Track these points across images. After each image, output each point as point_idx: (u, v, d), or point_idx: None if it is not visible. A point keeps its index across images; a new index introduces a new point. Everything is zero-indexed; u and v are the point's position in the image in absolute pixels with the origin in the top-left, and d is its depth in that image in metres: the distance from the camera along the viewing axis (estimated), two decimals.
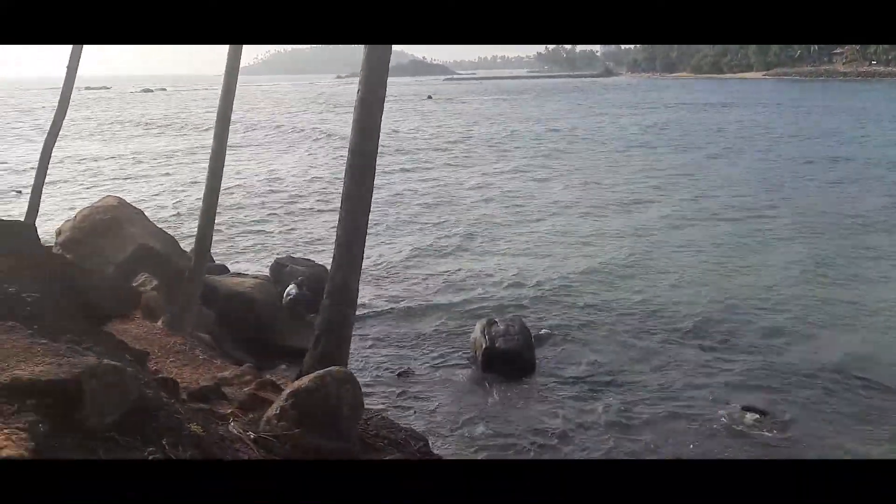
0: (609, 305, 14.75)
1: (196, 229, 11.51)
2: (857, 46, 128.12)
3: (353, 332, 9.79)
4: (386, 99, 9.04)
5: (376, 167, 9.14)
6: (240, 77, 10.92)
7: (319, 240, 20.95)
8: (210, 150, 10.91)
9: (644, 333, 13.27)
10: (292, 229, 22.77)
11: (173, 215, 24.04)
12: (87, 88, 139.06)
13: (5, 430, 2.82)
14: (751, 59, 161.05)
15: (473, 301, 15.30)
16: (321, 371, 5.41)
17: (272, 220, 24.15)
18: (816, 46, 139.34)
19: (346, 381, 5.30)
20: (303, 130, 55.89)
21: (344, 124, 56.78)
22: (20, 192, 26.94)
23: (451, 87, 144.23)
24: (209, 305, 11.92)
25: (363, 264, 9.56)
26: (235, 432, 4.68)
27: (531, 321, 13.45)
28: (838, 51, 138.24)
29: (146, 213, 14.75)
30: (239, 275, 15.06)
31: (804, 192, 27.01)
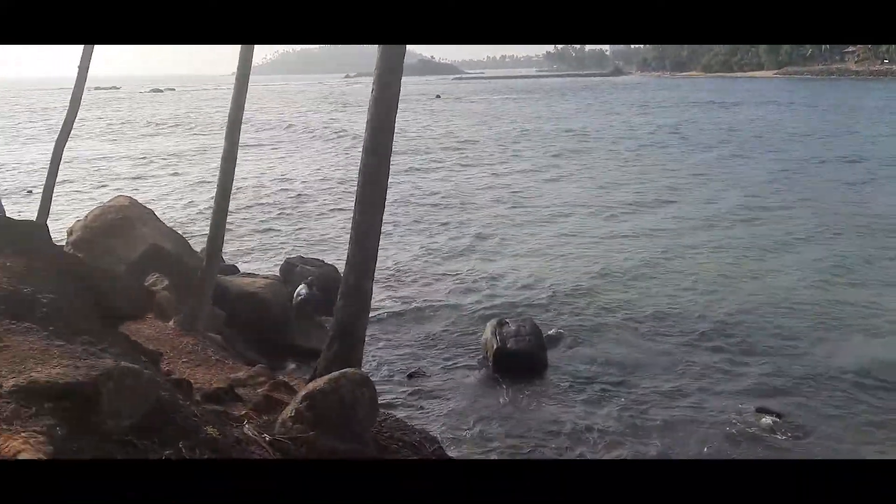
0: (622, 307, 14.65)
1: (207, 229, 11.50)
2: (869, 45, 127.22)
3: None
4: None
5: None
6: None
7: (330, 240, 20.97)
8: (221, 150, 10.89)
9: (657, 335, 13.17)
10: (302, 229, 22.80)
11: (184, 215, 24.11)
12: (97, 88, 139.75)
13: (23, 434, 2.79)
14: (761, 58, 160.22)
15: (484, 301, 15.25)
16: (336, 373, 5.37)
17: (282, 219, 24.20)
18: (828, 45, 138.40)
19: (362, 383, 5.26)
20: (313, 130, 55.98)
21: (352, 123, 57.02)
22: (31, 191, 27.10)
23: (460, 87, 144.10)
24: (220, 305, 11.91)
25: None
26: (251, 434, 4.64)
27: (543, 322, 13.37)
28: (850, 49, 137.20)
29: (157, 213, 14.75)
30: (249, 275, 15.06)
31: (819, 192, 26.75)
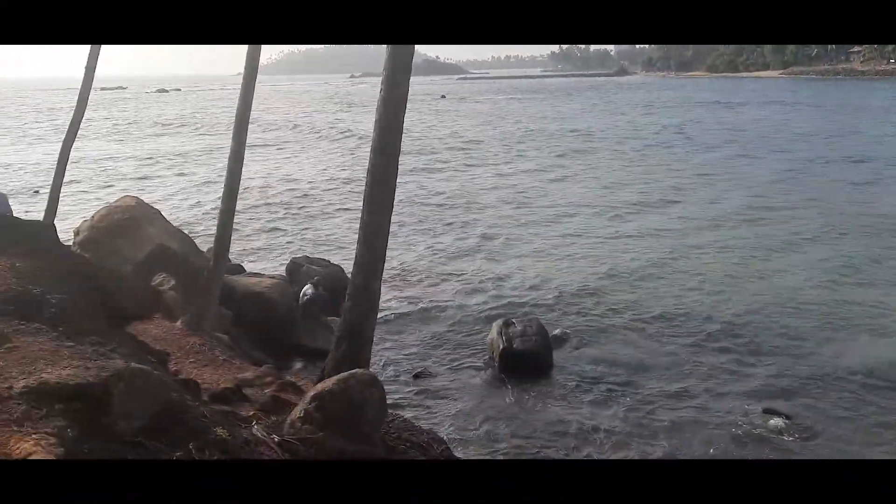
0: (628, 307, 14.61)
1: (213, 229, 11.50)
2: (875, 45, 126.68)
3: None
4: None
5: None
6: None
7: (336, 239, 20.98)
8: (228, 151, 10.89)
9: (664, 336, 13.13)
10: (308, 228, 22.81)
11: (190, 215, 24.14)
12: (103, 89, 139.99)
13: (34, 436, 2.78)
14: (767, 58, 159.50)
15: (490, 302, 15.23)
16: (345, 373, 5.36)
17: (288, 219, 24.21)
18: (833, 45, 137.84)
19: (371, 383, 5.25)
20: (319, 130, 56.01)
21: (357, 123, 57.02)
22: (38, 191, 27.19)
23: (465, 87, 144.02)
24: (226, 305, 11.91)
25: None
26: (259, 435, 4.63)
27: (548, 322, 13.33)
28: (856, 49, 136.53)
29: (163, 213, 14.77)
30: (256, 275, 15.07)
31: (825, 192, 26.67)
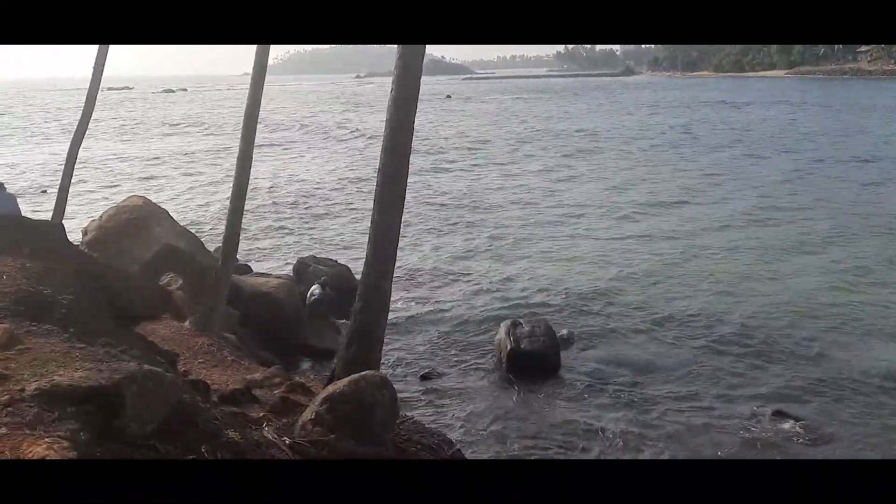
0: (636, 308, 14.54)
1: (220, 229, 11.48)
2: (882, 45, 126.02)
3: None
4: None
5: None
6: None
7: (343, 239, 20.95)
8: (235, 151, 10.88)
9: (672, 337, 13.05)
10: (314, 228, 22.80)
11: (197, 215, 24.17)
12: (110, 89, 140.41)
13: (46, 439, 2.74)
14: (773, 58, 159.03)
15: (498, 302, 15.17)
16: (356, 375, 5.32)
17: (295, 219, 24.19)
18: (840, 45, 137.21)
19: (382, 384, 5.21)
20: (327, 130, 56.02)
21: (363, 123, 57.03)
22: (45, 190, 27.28)
23: (471, 87, 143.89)
24: (234, 305, 11.91)
25: None
26: (270, 437, 4.60)
27: (556, 323, 13.28)
28: (863, 49, 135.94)
29: (171, 213, 14.77)
30: (263, 274, 15.07)
31: (833, 192, 26.54)
